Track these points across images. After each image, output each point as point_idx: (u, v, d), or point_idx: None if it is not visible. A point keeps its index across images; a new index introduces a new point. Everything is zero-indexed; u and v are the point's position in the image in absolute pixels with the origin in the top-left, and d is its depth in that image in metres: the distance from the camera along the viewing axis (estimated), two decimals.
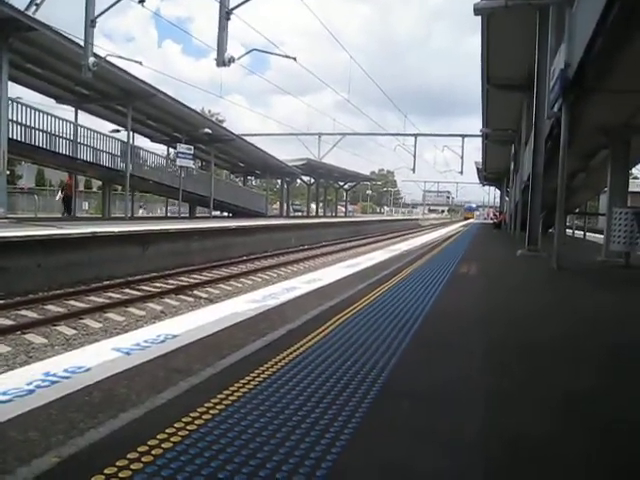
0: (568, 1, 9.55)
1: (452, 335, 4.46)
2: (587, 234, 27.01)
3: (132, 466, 2.05)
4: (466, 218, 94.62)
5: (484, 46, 15.73)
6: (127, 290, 11.26)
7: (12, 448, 2.27)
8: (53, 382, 3.04)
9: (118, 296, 10.58)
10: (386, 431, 2.48)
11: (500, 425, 2.62)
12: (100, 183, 29.78)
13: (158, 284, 12.23)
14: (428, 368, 3.49)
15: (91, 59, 15.63)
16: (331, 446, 2.26)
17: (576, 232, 29.94)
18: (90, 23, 15.60)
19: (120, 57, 18.81)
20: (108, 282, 11.70)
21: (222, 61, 13.86)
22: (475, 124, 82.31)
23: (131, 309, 9.59)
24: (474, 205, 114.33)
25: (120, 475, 1.98)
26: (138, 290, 11.36)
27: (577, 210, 28.34)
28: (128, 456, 2.11)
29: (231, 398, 2.76)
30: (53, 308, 9.25)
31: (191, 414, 2.54)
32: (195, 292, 11.57)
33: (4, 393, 2.83)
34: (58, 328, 8.05)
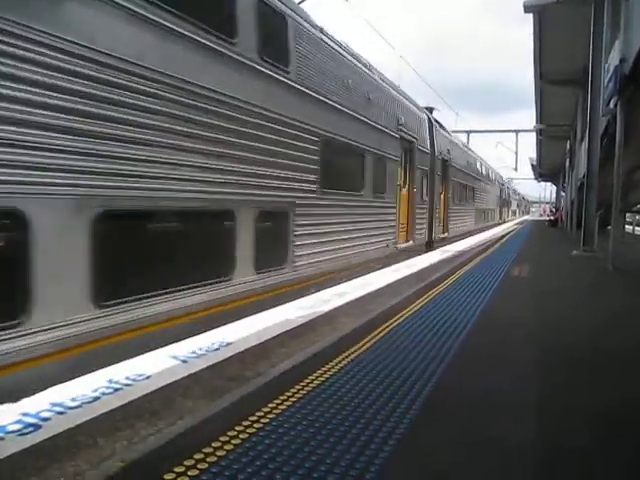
0: None
1: (501, 345, 4.46)
2: None
3: (189, 472, 2.20)
4: None
5: (536, 42, 15.34)
6: None
7: (82, 452, 2.47)
8: (116, 389, 3.24)
9: None
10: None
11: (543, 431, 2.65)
12: None
13: None
14: (477, 376, 3.53)
15: None
16: (379, 451, 2.36)
17: (637, 228, 28.65)
18: None
19: None
20: None
21: None
22: (529, 117, 79.77)
23: None
24: None
25: None
26: None
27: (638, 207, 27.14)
28: (185, 463, 2.26)
29: (281, 407, 2.88)
30: None
31: (243, 422, 2.68)
32: None
33: (73, 399, 3.05)
34: None
